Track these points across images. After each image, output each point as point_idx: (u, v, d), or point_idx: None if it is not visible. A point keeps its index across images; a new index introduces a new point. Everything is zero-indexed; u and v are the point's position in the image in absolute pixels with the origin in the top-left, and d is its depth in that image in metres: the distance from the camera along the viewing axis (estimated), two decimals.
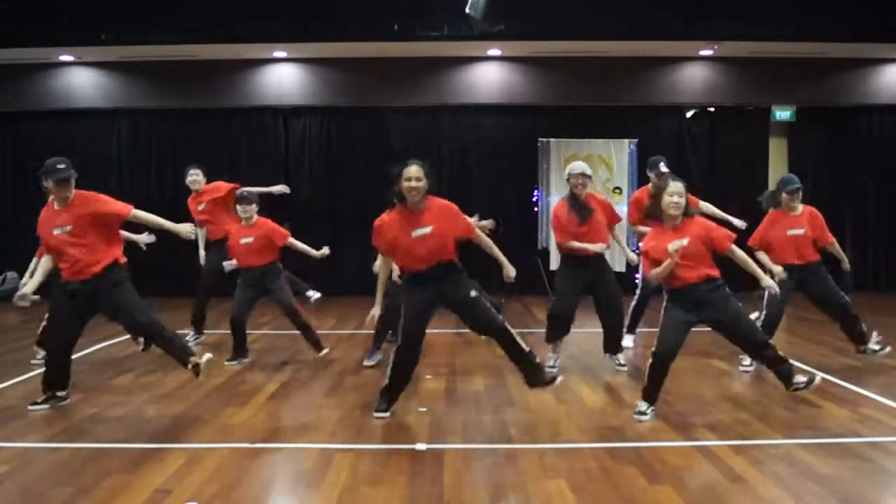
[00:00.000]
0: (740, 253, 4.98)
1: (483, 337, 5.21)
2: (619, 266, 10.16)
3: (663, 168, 6.82)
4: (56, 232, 5.06)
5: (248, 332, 7.85)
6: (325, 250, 6.88)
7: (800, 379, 5.00)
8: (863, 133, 12.09)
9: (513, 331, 4.90)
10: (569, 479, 3.87)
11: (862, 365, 6.47)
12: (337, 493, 3.71)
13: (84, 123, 11.87)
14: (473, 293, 4.86)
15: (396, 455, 4.28)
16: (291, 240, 6.82)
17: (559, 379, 4.99)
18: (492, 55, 11.55)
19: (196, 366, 5.01)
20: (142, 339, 6.65)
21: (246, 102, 11.73)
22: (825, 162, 12.00)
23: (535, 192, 11.93)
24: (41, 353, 6.45)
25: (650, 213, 5.00)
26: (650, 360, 4.94)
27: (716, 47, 11.16)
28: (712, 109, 11.96)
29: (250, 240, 6.65)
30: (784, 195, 6.12)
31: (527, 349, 4.90)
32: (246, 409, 5.29)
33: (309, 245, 6.94)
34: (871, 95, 11.80)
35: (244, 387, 5.94)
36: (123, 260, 5.21)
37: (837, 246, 6.39)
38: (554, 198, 11.75)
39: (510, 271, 5.13)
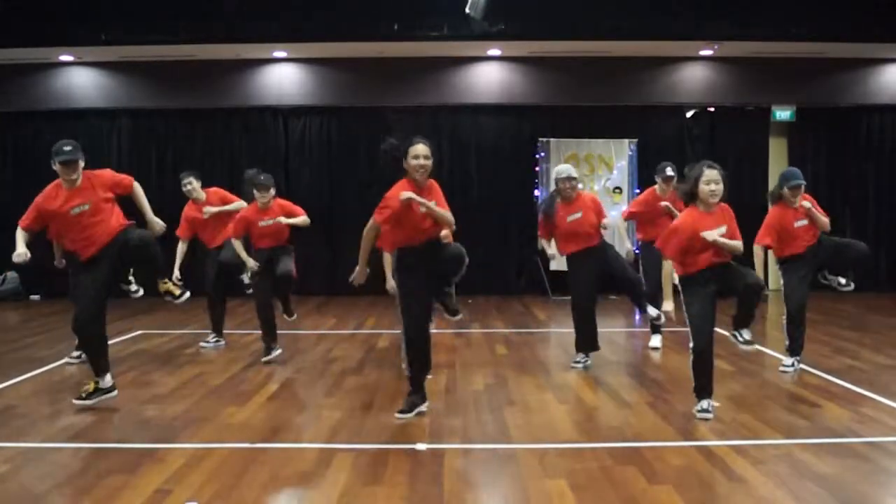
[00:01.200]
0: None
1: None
2: None
3: (669, 172, 7.00)
4: (75, 212, 5.11)
5: (248, 331, 7.88)
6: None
7: (747, 337, 5.15)
8: (863, 133, 12.07)
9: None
10: (569, 479, 3.88)
11: (862, 365, 6.48)
12: (337, 493, 3.71)
13: (84, 123, 11.85)
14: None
15: (396, 455, 4.28)
16: (305, 217, 6.89)
17: (460, 316, 5.34)
18: (492, 55, 11.55)
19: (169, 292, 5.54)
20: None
21: (246, 102, 11.73)
22: (825, 162, 11.99)
23: (535, 192, 11.91)
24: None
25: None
26: (691, 357, 4.93)
27: (716, 47, 11.15)
28: (712, 109, 11.95)
29: (269, 222, 6.66)
30: (786, 190, 6.11)
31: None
32: (246, 409, 5.29)
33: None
34: (871, 95, 11.79)
35: (244, 387, 5.94)
36: (125, 223, 5.31)
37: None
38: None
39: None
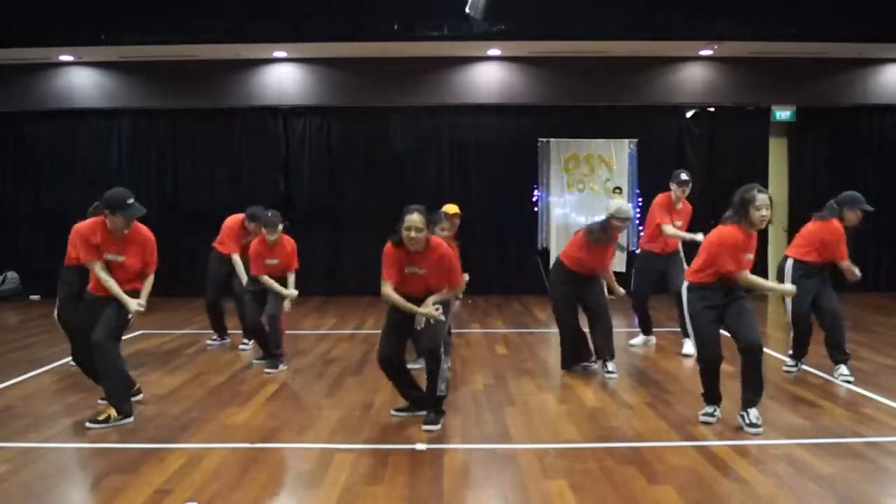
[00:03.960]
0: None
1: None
2: (620, 265, 10.15)
3: (684, 177, 7.00)
4: (109, 258, 4.96)
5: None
6: (292, 293, 6.65)
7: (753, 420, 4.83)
8: (863, 133, 12.07)
9: (443, 367, 4.89)
10: (569, 479, 3.88)
11: (862, 365, 6.47)
12: (337, 493, 3.71)
13: (84, 123, 11.86)
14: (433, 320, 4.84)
15: (396, 455, 4.28)
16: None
17: (438, 427, 4.78)
18: (492, 55, 11.55)
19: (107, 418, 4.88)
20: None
21: (246, 102, 11.72)
22: (825, 162, 11.99)
23: (535, 192, 11.92)
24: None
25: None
26: (699, 366, 4.91)
27: (716, 47, 11.15)
28: (712, 109, 11.96)
29: (275, 262, 6.56)
30: (858, 213, 6.02)
31: (442, 392, 4.87)
32: (246, 409, 5.29)
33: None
34: (871, 95, 11.79)
35: (244, 387, 5.95)
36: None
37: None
38: (553, 198, 11.78)
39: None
